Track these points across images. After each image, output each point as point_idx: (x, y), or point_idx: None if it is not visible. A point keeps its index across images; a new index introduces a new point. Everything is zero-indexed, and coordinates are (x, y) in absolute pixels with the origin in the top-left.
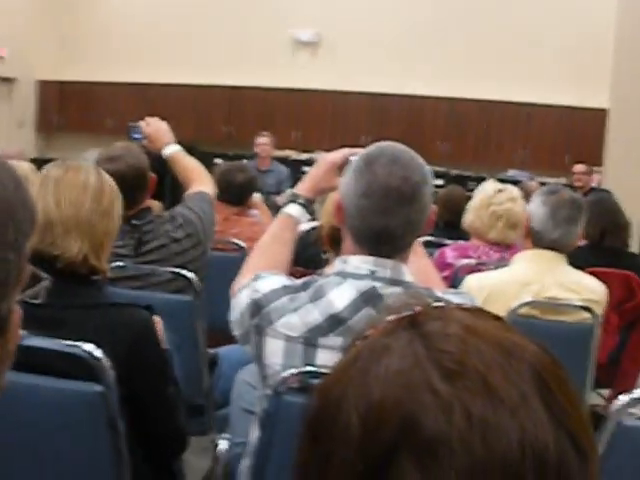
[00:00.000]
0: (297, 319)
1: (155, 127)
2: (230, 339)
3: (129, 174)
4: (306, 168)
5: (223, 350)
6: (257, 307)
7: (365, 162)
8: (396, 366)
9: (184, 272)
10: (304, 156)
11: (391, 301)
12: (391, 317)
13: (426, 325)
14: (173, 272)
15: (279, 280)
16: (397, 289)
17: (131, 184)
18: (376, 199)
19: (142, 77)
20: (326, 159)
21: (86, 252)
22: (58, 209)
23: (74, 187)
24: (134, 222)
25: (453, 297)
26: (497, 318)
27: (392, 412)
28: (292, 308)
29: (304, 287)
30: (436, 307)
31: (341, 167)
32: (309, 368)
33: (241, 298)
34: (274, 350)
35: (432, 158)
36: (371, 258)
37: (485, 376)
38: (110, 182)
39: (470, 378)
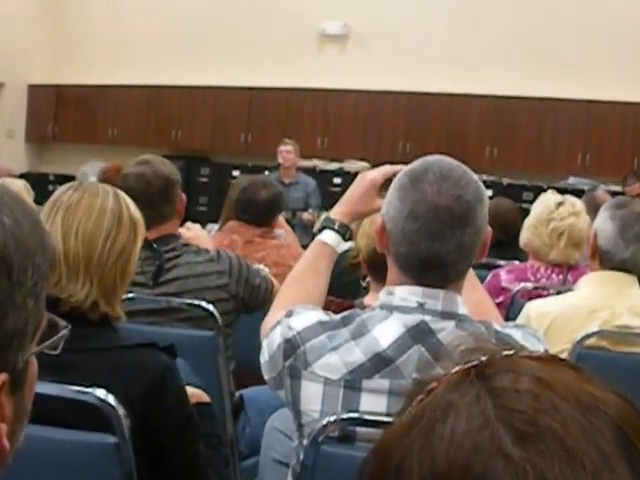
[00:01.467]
0: (337, 359)
1: (195, 233)
2: (257, 380)
3: (155, 182)
4: (336, 180)
5: (249, 392)
6: (291, 347)
7: (411, 179)
8: (463, 427)
9: (203, 304)
10: (333, 166)
11: (452, 346)
12: (455, 368)
13: (495, 379)
14: (190, 304)
15: (315, 315)
16: (450, 323)
17: (156, 194)
18: (424, 221)
19: (149, 79)
20: (365, 178)
21: (95, 297)
22: (66, 244)
23: (87, 216)
24: (155, 246)
25: (515, 332)
26: (573, 367)
27: (460, 479)
28: (331, 347)
29: (344, 322)
30: (505, 356)
31: (382, 187)
32: (351, 414)
33: (273, 338)
34: (311, 395)
35: (479, 165)
36: (420, 289)
37: (562, 438)
38: (132, 209)
39: (545, 440)
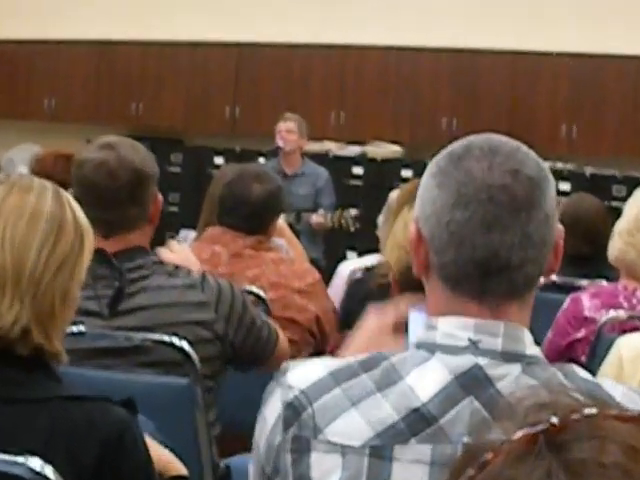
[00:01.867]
0: (358, 419)
1: (182, 257)
2: (247, 445)
3: (122, 174)
4: (356, 169)
5: (238, 462)
6: (294, 412)
7: (451, 159)
8: None
9: (175, 340)
10: (352, 150)
11: (515, 400)
12: (518, 432)
13: (572, 449)
14: (158, 341)
15: (321, 365)
16: (514, 367)
17: (122, 191)
18: (476, 207)
19: (101, 32)
20: (368, 325)
21: (27, 323)
22: None
23: (16, 219)
24: (115, 262)
25: (611, 386)
26: None
27: None
28: (349, 403)
29: (365, 368)
30: (586, 417)
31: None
32: None
33: (268, 412)
34: (325, 471)
35: (552, 148)
36: (472, 321)
37: None
38: (77, 212)
39: None
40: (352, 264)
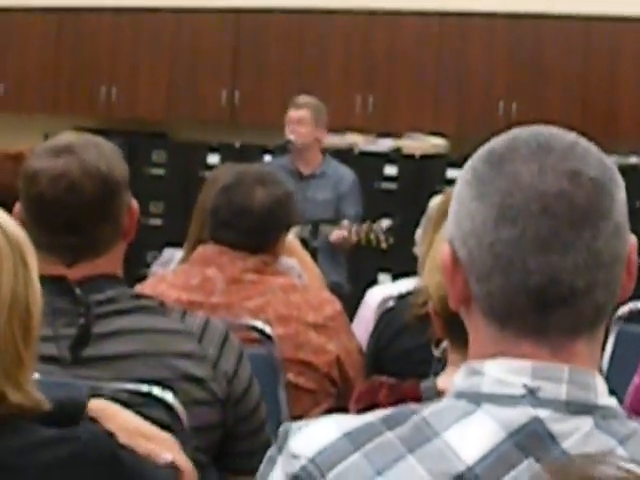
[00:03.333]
0: None
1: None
2: None
3: (87, 186)
4: (389, 169)
5: None
6: None
7: (490, 161)
8: None
9: (156, 390)
10: (383, 144)
11: (588, 464)
12: None
13: None
14: (134, 392)
15: (332, 425)
16: (583, 421)
17: (88, 207)
18: (526, 222)
19: None
20: None
21: None
22: None
23: None
24: (79, 292)
25: None
26: None
27: None
28: (373, 471)
29: (389, 425)
30: None
31: None
32: None
33: None
34: None
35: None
36: (528, 364)
37: None
38: (10, 227)
39: None
40: (383, 291)
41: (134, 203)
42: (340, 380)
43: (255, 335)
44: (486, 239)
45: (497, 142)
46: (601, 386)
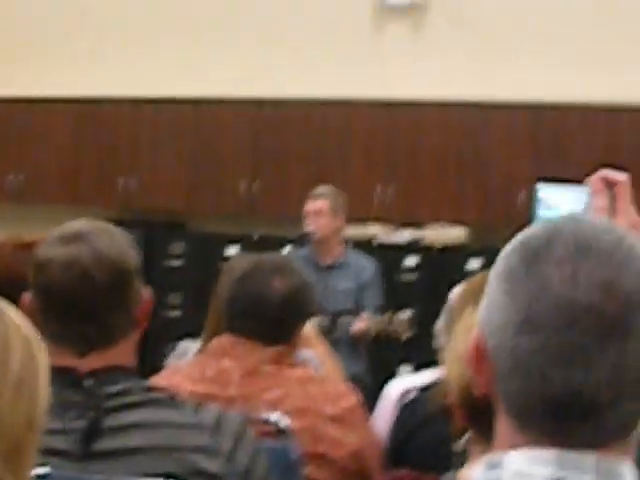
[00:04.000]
0: None
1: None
2: None
3: (98, 274)
4: (410, 260)
5: None
6: None
7: (524, 258)
8: None
9: None
10: (404, 235)
11: None
12: None
13: None
14: None
15: None
16: None
17: (99, 295)
18: (550, 333)
19: (81, 87)
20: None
21: None
22: None
23: None
24: (88, 384)
25: None
26: None
27: None
28: None
29: None
30: None
31: None
32: None
33: None
34: None
35: None
36: (553, 453)
37: None
38: (20, 323)
39: None
40: (404, 383)
41: (147, 292)
42: (358, 474)
43: (271, 429)
44: (508, 342)
45: (536, 233)
46: (631, 474)
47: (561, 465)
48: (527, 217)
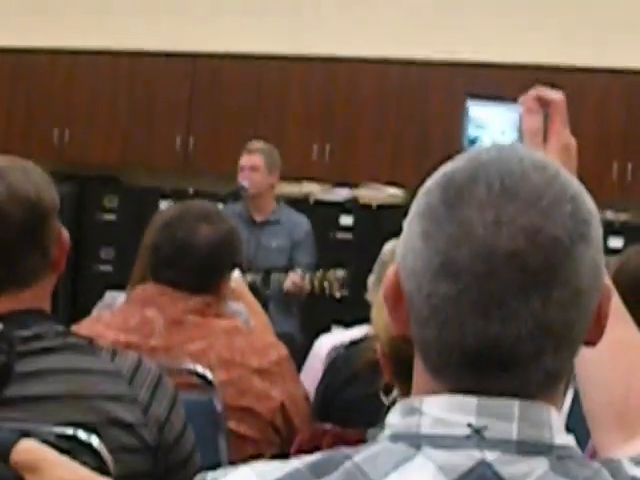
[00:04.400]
0: None
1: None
2: None
3: (13, 211)
4: (344, 219)
5: None
6: None
7: (444, 197)
8: None
9: (81, 434)
10: (340, 194)
11: None
12: None
13: None
14: (57, 434)
15: (252, 474)
16: (538, 463)
17: (13, 234)
18: (469, 282)
19: (13, 37)
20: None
21: None
22: None
23: None
24: (2, 329)
25: None
26: None
27: None
28: None
29: (317, 472)
30: None
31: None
32: None
33: None
34: None
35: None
36: (473, 400)
37: None
38: None
39: None
40: (333, 339)
41: (64, 232)
42: (284, 428)
43: (196, 380)
44: (424, 288)
45: (459, 169)
46: (557, 422)
47: (482, 412)
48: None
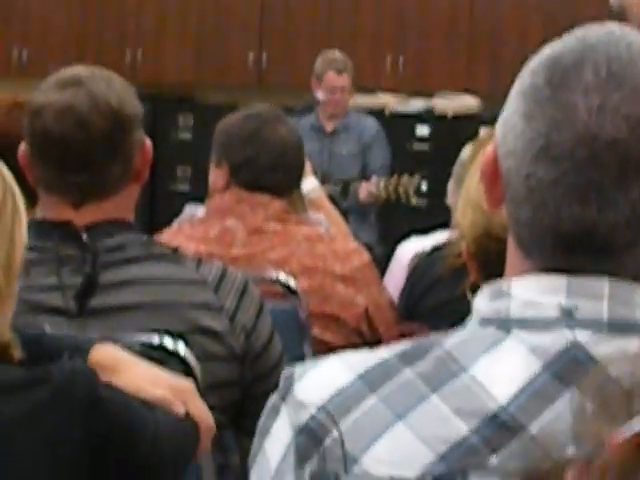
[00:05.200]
0: (410, 436)
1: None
2: None
3: (97, 120)
4: (421, 129)
5: None
6: (311, 438)
7: (550, 78)
8: None
9: (167, 342)
10: (415, 105)
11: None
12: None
13: None
14: (144, 344)
15: (343, 365)
16: (632, 343)
17: (97, 143)
18: (569, 167)
19: None
20: None
21: None
22: None
23: None
24: (86, 238)
25: None
26: None
27: None
28: (393, 415)
29: (407, 360)
30: None
31: None
32: None
33: (271, 445)
34: None
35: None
36: (563, 280)
37: None
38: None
39: None
40: (415, 245)
41: (148, 142)
42: (369, 335)
43: (278, 289)
44: (523, 169)
45: (567, 49)
46: None
47: (572, 293)
48: None
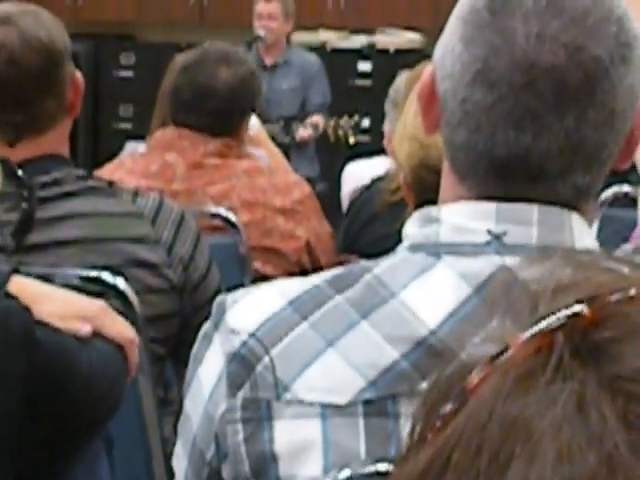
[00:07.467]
0: (340, 363)
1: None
2: None
3: (27, 57)
4: (362, 65)
5: None
6: (243, 365)
7: (490, 5)
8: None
9: (106, 276)
10: (357, 40)
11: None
12: (521, 334)
13: (616, 354)
14: (84, 277)
15: (274, 292)
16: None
17: (28, 80)
18: (505, 92)
19: None
20: None
21: None
22: None
23: None
24: (21, 174)
25: None
26: None
27: None
28: (323, 341)
29: (338, 286)
30: (631, 298)
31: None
32: (383, 466)
33: (204, 372)
34: (299, 444)
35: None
36: (492, 205)
37: None
38: None
39: None
40: (359, 168)
41: (79, 75)
42: (311, 266)
43: (219, 223)
44: (459, 92)
45: None
46: (580, 227)
47: (501, 218)
48: None
